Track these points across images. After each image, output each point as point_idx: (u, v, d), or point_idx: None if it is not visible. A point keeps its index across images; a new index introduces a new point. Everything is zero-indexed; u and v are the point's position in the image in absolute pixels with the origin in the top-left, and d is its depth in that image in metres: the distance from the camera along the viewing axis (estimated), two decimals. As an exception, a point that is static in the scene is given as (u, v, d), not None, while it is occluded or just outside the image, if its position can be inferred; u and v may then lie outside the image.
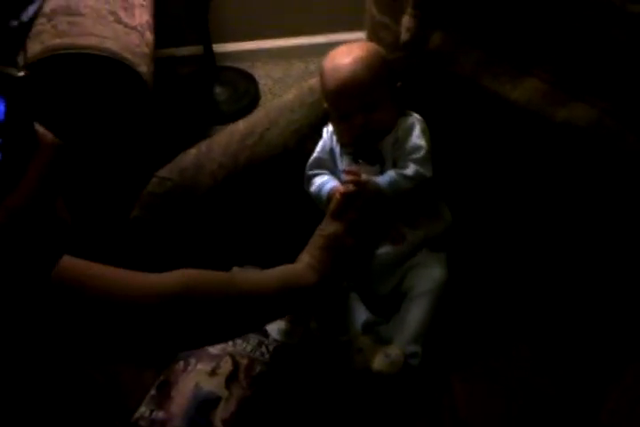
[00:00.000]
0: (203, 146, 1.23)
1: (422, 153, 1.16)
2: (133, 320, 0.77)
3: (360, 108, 1.16)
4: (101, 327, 0.74)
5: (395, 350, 1.05)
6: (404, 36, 1.16)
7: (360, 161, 1.18)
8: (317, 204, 1.20)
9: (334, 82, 1.17)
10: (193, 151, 1.23)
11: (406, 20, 1.16)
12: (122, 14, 1.31)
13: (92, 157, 1.32)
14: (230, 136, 1.24)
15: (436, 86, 1.20)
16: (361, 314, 1.13)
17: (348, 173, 1.14)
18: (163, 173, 1.20)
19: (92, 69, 1.25)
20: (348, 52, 1.19)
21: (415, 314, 1.09)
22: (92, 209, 1.31)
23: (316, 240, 1.07)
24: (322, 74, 1.21)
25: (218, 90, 2.25)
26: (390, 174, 1.13)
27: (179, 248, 1.16)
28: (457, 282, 1.13)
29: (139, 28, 1.34)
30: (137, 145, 1.34)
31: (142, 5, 1.37)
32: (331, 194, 1.16)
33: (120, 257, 0.91)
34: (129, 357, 0.99)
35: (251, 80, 2.33)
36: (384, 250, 1.14)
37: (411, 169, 1.14)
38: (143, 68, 1.28)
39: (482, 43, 1.10)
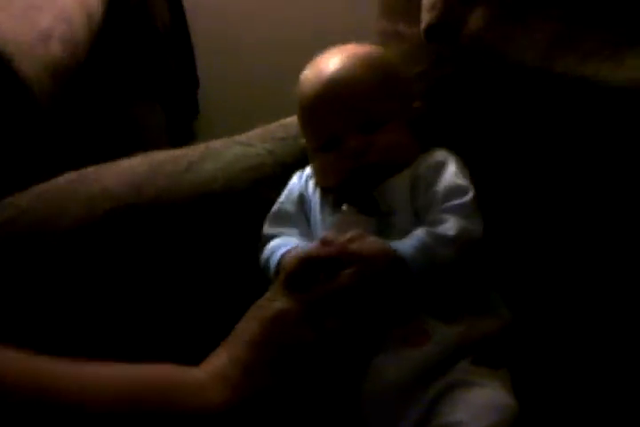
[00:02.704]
0: (90, 168, 0.73)
1: (467, 198, 0.67)
2: None
3: (355, 125, 0.71)
4: None
5: None
6: (429, 17, 0.75)
7: (345, 207, 0.68)
8: (268, 278, 0.68)
9: (317, 85, 0.74)
10: (72, 175, 0.72)
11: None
12: (18, 10, 0.91)
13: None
14: (140, 160, 0.75)
15: (478, 102, 0.76)
16: None
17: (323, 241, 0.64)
18: (12, 197, 0.68)
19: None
20: (339, 50, 0.77)
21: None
22: None
23: (245, 327, 0.55)
24: (300, 84, 0.77)
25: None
26: (418, 236, 0.63)
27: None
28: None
29: (40, 28, 0.93)
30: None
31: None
32: (284, 259, 0.67)
33: None
34: None
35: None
36: (391, 357, 0.60)
37: (451, 224, 0.64)
38: (28, 70, 0.85)
39: (554, 12, 0.68)
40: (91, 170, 0.72)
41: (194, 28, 1.63)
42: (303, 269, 0.57)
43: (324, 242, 0.64)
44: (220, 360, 0.52)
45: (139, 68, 1.48)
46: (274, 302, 0.55)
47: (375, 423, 0.59)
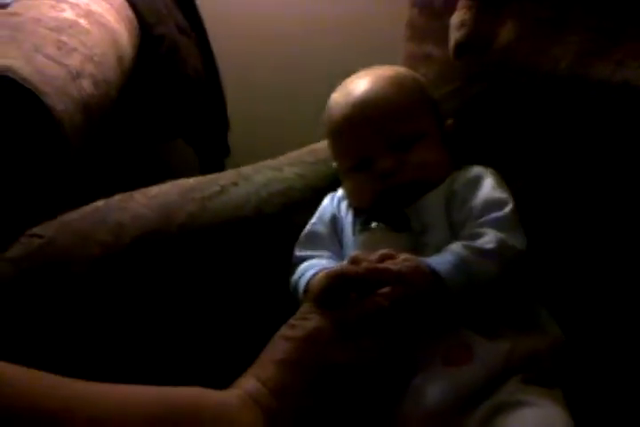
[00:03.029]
0: (118, 196, 0.72)
1: (507, 210, 0.64)
2: None
3: (386, 145, 0.70)
4: None
5: None
6: (458, 35, 0.73)
7: (375, 224, 0.66)
8: (297, 301, 0.65)
9: (346, 107, 0.73)
10: (99, 203, 0.71)
11: (457, 16, 0.74)
12: (50, 50, 0.93)
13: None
14: (170, 187, 0.74)
15: (512, 117, 0.74)
16: None
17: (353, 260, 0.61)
18: (36, 228, 0.67)
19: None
20: (367, 72, 0.77)
21: None
22: None
23: (276, 347, 0.52)
24: (328, 108, 0.76)
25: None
26: (455, 250, 0.60)
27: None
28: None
29: (71, 67, 0.94)
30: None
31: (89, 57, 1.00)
32: (313, 280, 0.65)
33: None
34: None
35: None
36: (432, 378, 0.56)
37: (490, 237, 0.61)
38: (60, 105, 0.85)
39: (585, 23, 0.66)
40: (118, 197, 0.71)
41: (223, 71, 1.66)
42: (334, 287, 0.54)
43: (354, 260, 0.61)
44: (249, 383, 0.49)
45: (172, 113, 1.50)
46: (306, 322, 0.52)
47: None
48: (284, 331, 0.52)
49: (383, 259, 0.59)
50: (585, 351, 0.62)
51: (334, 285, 0.54)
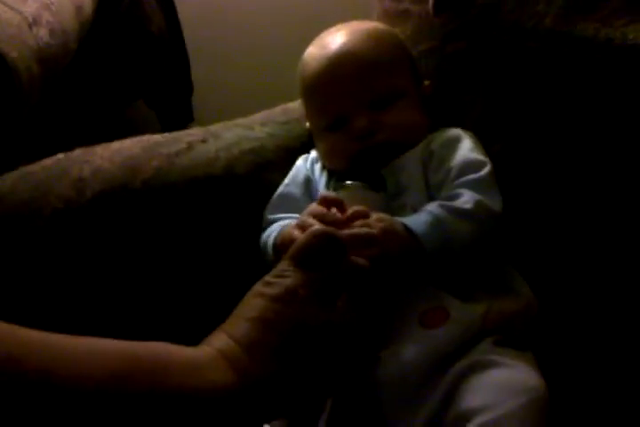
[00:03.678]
0: (78, 150, 0.67)
1: (485, 172, 0.62)
2: None
3: (363, 102, 0.67)
4: None
5: None
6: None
7: (350, 182, 0.63)
8: (265, 262, 0.63)
9: (323, 61, 0.69)
10: (59, 155, 0.67)
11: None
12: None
13: None
14: (133, 142, 0.70)
15: (492, 77, 0.71)
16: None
17: (322, 200, 0.59)
18: (-12, 182, 0.63)
19: None
20: (344, 26, 0.73)
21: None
22: None
23: (250, 304, 0.49)
24: (303, 63, 0.73)
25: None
26: (431, 210, 0.59)
27: None
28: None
29: (26, 14, 0.88)
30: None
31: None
32: (282, 235, 0.62)
33: None
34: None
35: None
36: (407, 339, 0.55)
37: (467, 197, 0.59)
38: (13, 53, 0.79)
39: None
40: (79, 151, 0.66)
41: (187, 35, 1.59)
42: (317, 247, 0.51)
43: (324, 201, 0.58)
44: (220, 339, 0.46)
45: (133, 72, 1.44)
46: (284, 279, 0.49)
47: (391, 411, 0.53)
48: (260, 288, 0.49)
49: (356, 216, 0.57)
50: (557, 315, 0.61)
51: (318, 244, 0.51)
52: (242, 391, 0.43)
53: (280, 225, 0.65)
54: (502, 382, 0.50)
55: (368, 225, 0.56)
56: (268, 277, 0.49)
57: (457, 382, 0.51)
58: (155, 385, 0.40)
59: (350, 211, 0.57)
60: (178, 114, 1.65)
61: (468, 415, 0.48)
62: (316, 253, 0.50)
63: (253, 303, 0.48)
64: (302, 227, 0.57)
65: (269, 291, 0.48)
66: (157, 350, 0.43)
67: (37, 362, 0.37)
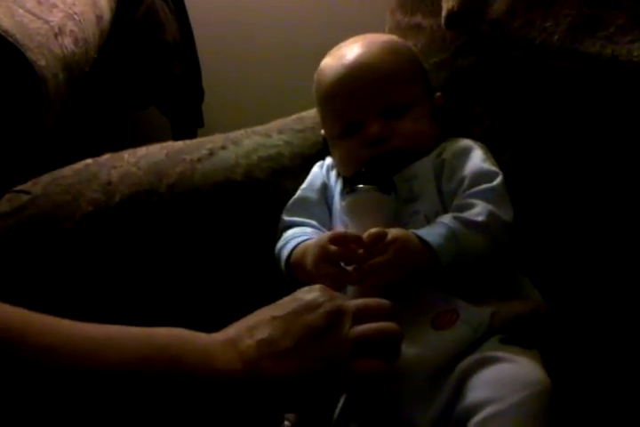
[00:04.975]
0: (107, 155, 0.71)
1: (497, 182, 0.65)
2: None
3: (377, 109, 0.70)
4: None
5: None
6: (450, 4, 0.74)
7: (361, 186, 0.65)
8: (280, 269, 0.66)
9: (339, 70, 0.73)
10: (88, 160, 0.70)
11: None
12: (30, 4, 0.90)
13: None
14: (158, 148, 0.73)
15: (502, 91, 0.74)
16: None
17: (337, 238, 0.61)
18: (22, 185, 0.66)
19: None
20: (360, 38, 0.76)
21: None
22: None
23: (282, 303, 0.53)
24: (320, 73, 0.76)
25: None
26: (446, 223, 0.61)
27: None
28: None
29: (53, 23, 0.92)
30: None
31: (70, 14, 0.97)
32: (295, 256, 0.66)
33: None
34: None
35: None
36: (421, 339, 0.57)
37: (480, 208, 0.62)
38: (42, 61, 0.83)
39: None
40: (107, 157, 0.70)
41: (199, 42, 1.63)
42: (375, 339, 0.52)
43: (336, 239, 0.61)
44: (236, 330, 0.49)
45: (147, 79, 1.47)
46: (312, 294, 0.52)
47: (406, 407, 0.56)
48: (301, 295, 0.52)
49: (373, 241, 0.59)
50: (564, 318, 0.64)
51: (377, 338, 0.52)
52: (245, 381, 0.46)
53: (295, 238, 0.68)
54: (507, 377, 0.53)
55: (385, 251, 0.59)
56: (318, 297, 0.51)
57: (465, 378, 0.54)
58: (174, 368, 0.43)
59: (366, 236, 0.59)
60: (189, 119, 1.68)
61: (475, 408, 0.51)
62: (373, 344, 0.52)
63: (285, 304, 0.51)
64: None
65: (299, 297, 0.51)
66: (174, 334, 0.46)
67: (71, 350, 0.40)
